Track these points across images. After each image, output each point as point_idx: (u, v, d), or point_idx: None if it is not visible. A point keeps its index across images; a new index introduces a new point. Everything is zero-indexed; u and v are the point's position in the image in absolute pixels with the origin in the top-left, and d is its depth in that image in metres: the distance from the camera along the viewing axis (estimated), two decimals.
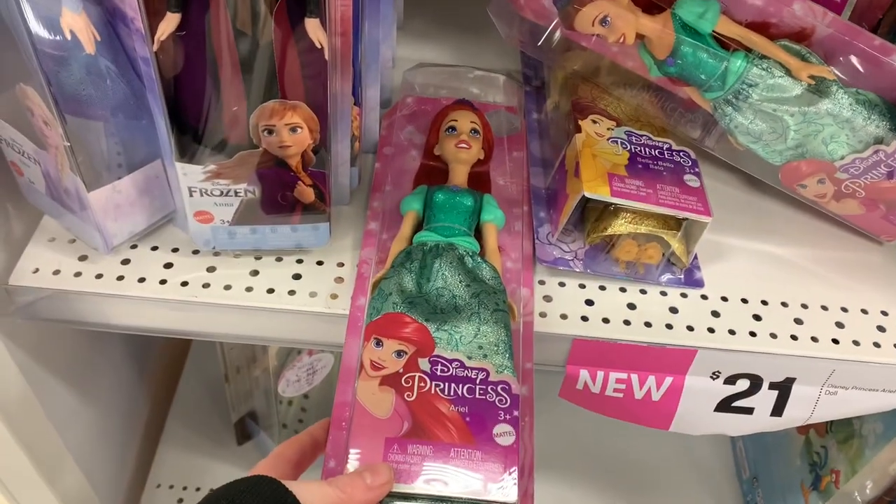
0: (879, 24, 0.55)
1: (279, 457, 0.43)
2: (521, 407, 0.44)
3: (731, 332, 0.52)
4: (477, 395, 0.43)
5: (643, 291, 0.54)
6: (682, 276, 0.55)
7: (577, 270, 0.53)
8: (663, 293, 0.54)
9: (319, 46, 0.41)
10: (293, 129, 0.44)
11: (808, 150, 0.53)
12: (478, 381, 0.44)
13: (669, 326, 0.52)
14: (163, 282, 0.50)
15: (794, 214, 0.60)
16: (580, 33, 0.53)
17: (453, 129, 0.56)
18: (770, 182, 0.58)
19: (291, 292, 0.50)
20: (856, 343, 0.52)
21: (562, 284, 0.54)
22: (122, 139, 0.47)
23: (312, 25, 0.40)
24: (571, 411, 0.58)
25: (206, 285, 0.50)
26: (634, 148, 0.54)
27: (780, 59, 0.51)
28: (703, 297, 0.54)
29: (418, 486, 0.40)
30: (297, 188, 0.47)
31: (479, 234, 0.52)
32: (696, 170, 0.53)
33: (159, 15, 0.39)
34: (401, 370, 0.44)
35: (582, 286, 0.54)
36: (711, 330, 0.52)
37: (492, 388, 0.44)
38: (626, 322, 0.52)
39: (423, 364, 0.45)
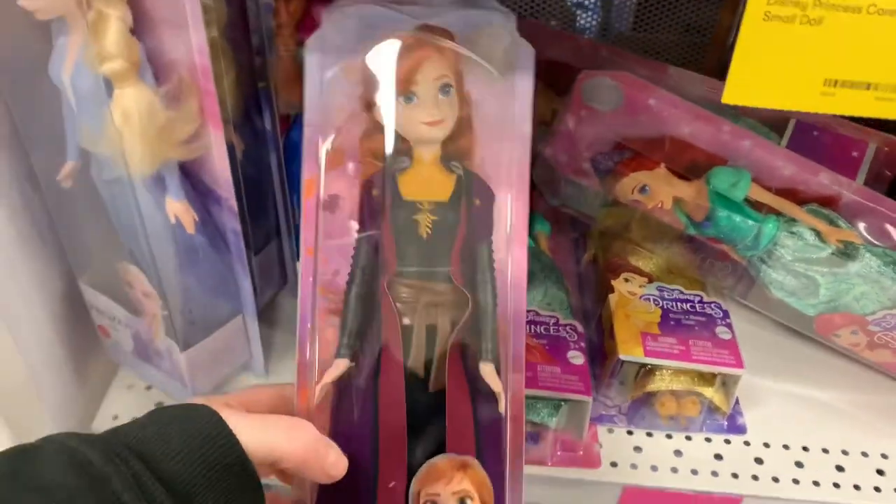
0: None
1: (233, 396, 0.37)
2: None
3: (775, 479, 0.54)
4: (552, 333, 0.55)
5: (688, 438, 0.57)
6: (725, 423, 0.57)
7: (621, 426, 0.56)
8: (708, 440, 0.57)
9: (497, 392, 0.38)
10: (461, 501, 0.37)
11: (839, 305, 0.57)
12: (551, 324, 0.56)
13: (715, 474, 0.54)
14: None
15: (830, 359, 0.63)
16: (621, 198, 0.58)
17: None
18: (805, 332, 0.61)
19: None
20: None
21: (610, 431, 0.57)
22: (208, 302, 0.52)
23: (488, 371, 0.38)
24: None
25: None
26: (666, 304, 0.58)
27: (809, 223, 0.55)
28: (746, 443, 0.57)
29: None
30: None
31: None
32: (728, 321, 0.57)
33: None
34: None
35: (629, 433, 0.57)
36: (755, 477, 0.54)
37: (562, 328, 0.56)
38: (674, 469, 0.54)
39: None
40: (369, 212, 0.38)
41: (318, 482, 0.36)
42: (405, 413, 0.36)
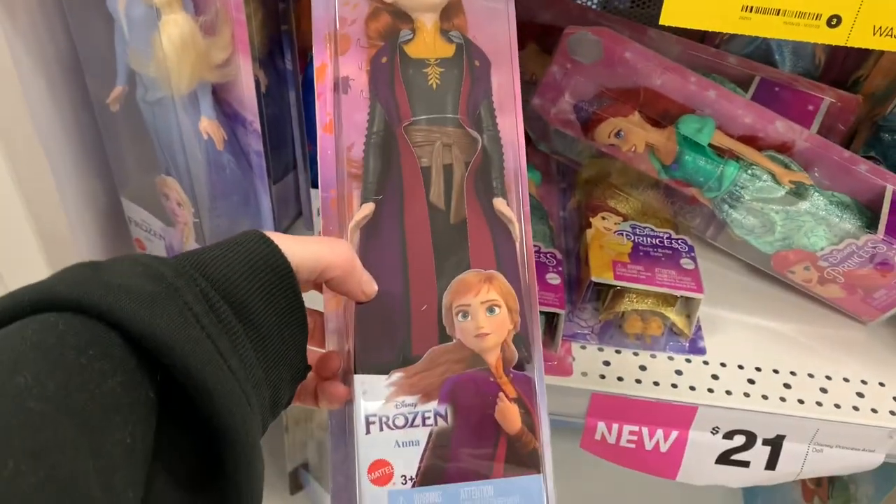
0: (851, 137, 0.66)
1: None
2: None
3: (728, 392, 0.61)
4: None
5: (653, 356, 0.64)
6: (687, 345, 0.64)
7: (593, 343, 0.63)
8: (671, 358, 0.64)
9: (511, 219, 0.42)
10: (490, 310, 0.40)
11: (793, 242, 0.64)
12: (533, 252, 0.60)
13: (675, 386, 0.61)
14: None
15: (787, 295, 0.70)
16: (599, 142, 0.65)
17: None
18: (764, 268, 0.68)
19: None
20: (837, 406, 0.61)
21: (583, 347, 0.64)
22: (233, 213, 0.60)
23: (500, 203, 0.43)
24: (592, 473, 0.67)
25: None
26: (638, 239, 0.65)
27: (766, 166, 0.62)
28: (705, 362, 0.64)
29: None
30: (500, 407, 0.39)
31: None
32: (692, 254, 0.64)
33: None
34: None
35: (600, 349, 0.64)
36: (711, 390, 0.61)
37: (543, 255, 0.62)
38: (638, 381, 0.61)
39: None
40: (379, 79, 0.42)
41: (355, 299, 0.39)
42: (431, 242, 0.40)
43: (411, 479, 0.39)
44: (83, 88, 0.56)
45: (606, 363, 0.63)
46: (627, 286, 0.62)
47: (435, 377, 0.39)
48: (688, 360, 0.64)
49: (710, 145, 0.63)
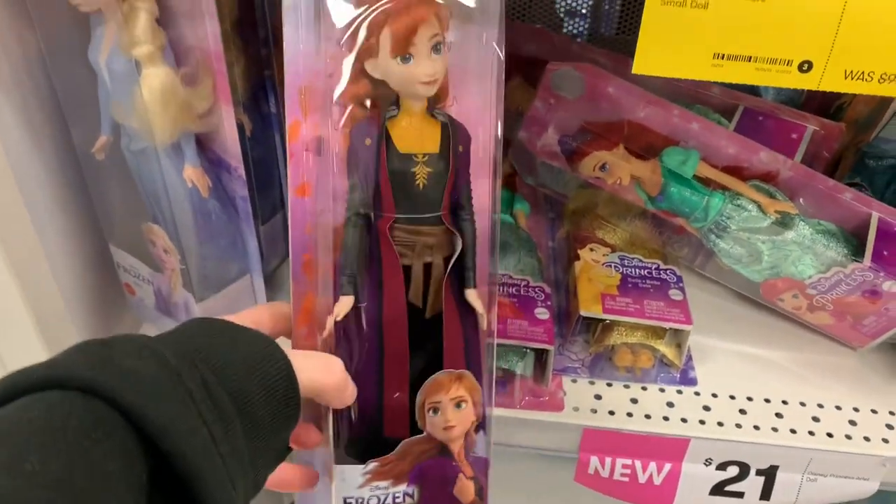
0: (835, 164, 0.67)
1: (238, 317, 0.40)
2: None
3: (720, 423, 0.61)
4: (522, 293, 0.62)
5: (644, 388, 0.64)
6: (678, 376, 0.64)
7: (584, 377, 0.63)
8: (662, 390, 0.64)
9: (481, 313, 0.44)
10: (458, 405, 0.44)
11: (781, 271, 0.64)
12: (522, 286, 0.63)
13: (666, 418, 0.61)
14: None
15: (777, 322, 0.70)
16: (584, 175, 0.65)
17: None
18: (753, 296, 0.68)
19: None
20: (829, 435, 0.60)
21: (574, 381, 0.64)
22: (220, 260, 0.60)
23: (472, 295, 0.43)
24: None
25: None
26: (626, 270, 0.65)
27: (752, 197, 0.62)
28: (696, 393, 0.63)
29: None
30: (458, 485, 0.45)
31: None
32: (681, 285, 0.64)
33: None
34: None
35: (591, 383, 0.64)
36: (703, 422, 0.61)
37: (532, 290, 0.63)
38: (629, 414, 0.61)
39: None
40: (361, 159, 0.41)
41: (335, 407, 0.42)
42: (406, 337, 0.43)
43: None
44: (67, 137, 0.56)
45: (598, 397, 0.63)
46: (616, 319, 0.62)
47: (405, 465, 0.44)
48: (679, 392, 0.64)
49: (695, 177, 0.63)
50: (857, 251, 0.61)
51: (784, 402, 0.63)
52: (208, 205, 0.57)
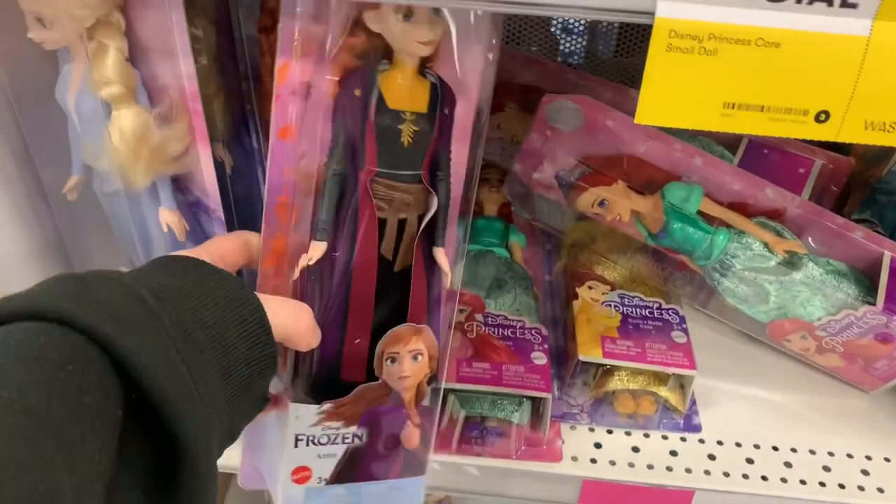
0: (843, 201, 0.64)
1: (204, 249, 0.42)
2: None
3: (726, 473, 0.58)
4: (518, 335, 0.59)
5: (646, 435, 0.61)
6: (682, 422, 0.61)
7: (583, 423, 0.60)
8: (665, 437, 0.61)
9: (446, 271, 0.46)
10: (415, 357, 0.46)
11: (789, 311, 0.61)
12: (517, 328, 0.60)
13: (669, 469, 0.58)
14: None
15: (784, 363, 0.67)
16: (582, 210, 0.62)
17: (486, 179, 0.72)
18: (759, 336, 0.65)
19: None
20: (841, 486, 0.57)
21: (573, 428, 0.61)
22: None
23: (440, 254, 0.45)
24: None
25: None
26: (626, 310, 0.62)
27: (758, 235, 0.59)
28: (701, 440, 0.60)
29: (482, 386, 0.54)
30: (405, 431, 0.48)
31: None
32: (684, 326, 0.61)
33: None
34: (463, 320, 0.59)
35: (591, 430, 0.61)
36: (708, 472, 0.58)
37: (528, 331, 0.60)
38: (631, 465, 0.58)
39: (479, 317, 0.60)
40: (349, 112, 0.41)
41: (299, 350, 0.43)
42: (374, 288, 0.45)
43: (325, 479, 0.48)
44: (37, 179, 0.53)
45: (598, 445, 0.60)
46: (617, 364, 0.59)
47: (358, 408, 0.46)
48: (683, 439, 0.61)
49: (698, 213, 0.60)
50: (868, 291, 0.59)
51: (793, 450, 0.60)
52: (186, 248, 0.53)
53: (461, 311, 0.62)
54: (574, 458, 0.58)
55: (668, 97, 0.35)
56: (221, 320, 0.34)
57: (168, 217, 0.51)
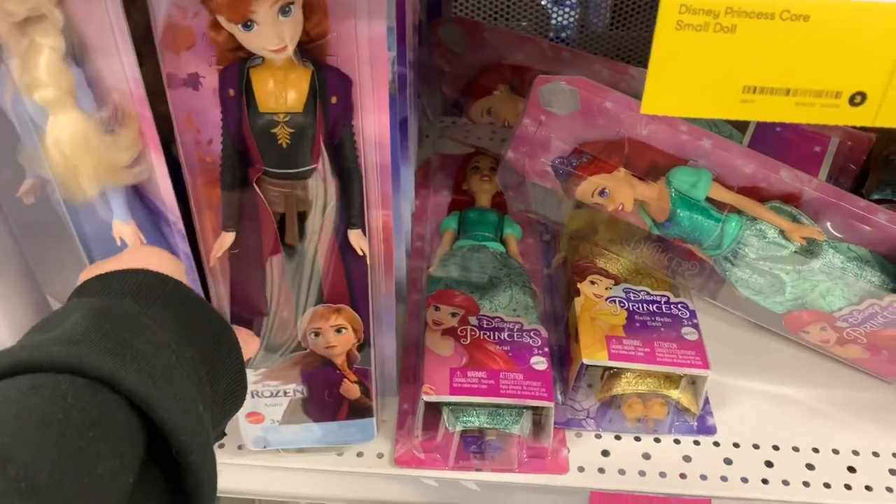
0: (862, 180, 0.59)
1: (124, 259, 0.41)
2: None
3: (744, 479, 0.54)
4: (515, 339, 0.55)
5: (657, 440, 0.56)
6: (695, 424, 0.57)
7: (590, 430, 0.56)
8: (677, 441, 0.56)
9: (361, 254, 0.45)
10: (338, 330, 0.48)
11: (806, 302, 0.56)
12: (515, 330, 0.56)
13: (683, 476, 0.54)
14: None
15: (802, 355, 0.62)
16: (582, 201, 0.58)
17: (477, 168, 0.73)
18: (774, 329, 0.61)
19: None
20: (868, 488, 0.53)
21: (578, 435, 0.56)
22: None
23: (355, 236, 0.45)
24: None
25: None
26: (632, 305, 0.58)
27: (773, 222, 0.54)
28: (716, 443, 0.56)
29: (478, 398, 0.52)
30: (343, 386, 0.51)
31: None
32: (695, 321, 0.57)
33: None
34: (456, 325, 0.56)
35: (598, 436, 0.57)
36: (724, 478, 0.54)
37: (526, 334, 0.56)
38: (642, 473, 0.54)
39: (473, 321, 0.57)
40: (227, 108, 0.39)
41: None
42: (288, 277, 0.46)
43: (277, 421, 0.52)
44: None
45: (605, 453, 0.55)
46: (624, 366, 0.54)
47: (294, 371, 0.50)
48: (696, 443, 0.56)
49: (707, 199, 0.56)
50: (894, 278, 0.54)
51: (815, 451, 0.56)
52: None
53: (453, 314, 0.57)
54: (581, 469, 0.54)
55: (679, 83, 0.31)
56: (217, 362, 0.37)
57: (121, 230, 0.46)
